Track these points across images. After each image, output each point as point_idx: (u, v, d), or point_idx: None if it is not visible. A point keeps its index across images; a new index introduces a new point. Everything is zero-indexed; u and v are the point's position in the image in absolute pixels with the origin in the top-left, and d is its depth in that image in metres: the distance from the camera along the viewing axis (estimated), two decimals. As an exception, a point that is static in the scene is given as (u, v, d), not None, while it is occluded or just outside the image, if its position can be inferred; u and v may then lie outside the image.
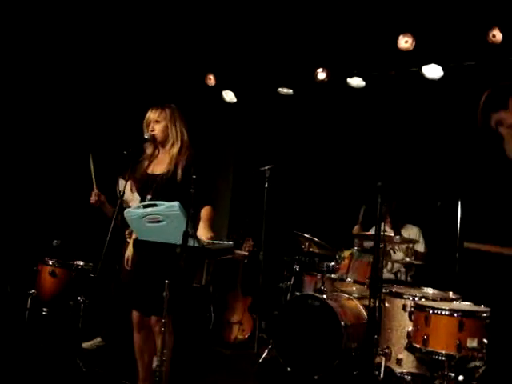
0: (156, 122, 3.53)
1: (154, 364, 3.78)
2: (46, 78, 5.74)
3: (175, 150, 3.53)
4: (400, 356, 3.84)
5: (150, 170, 3.56)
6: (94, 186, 3.63)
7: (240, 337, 5.62)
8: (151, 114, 3.56)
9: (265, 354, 4.94)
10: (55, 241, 4.74)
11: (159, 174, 3.50)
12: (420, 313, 3.60)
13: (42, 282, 4.51)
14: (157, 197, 3.29)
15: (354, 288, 5.04)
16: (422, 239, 5.36)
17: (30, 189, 5.66)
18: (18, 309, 4.63)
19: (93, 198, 3.61)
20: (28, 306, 4.49)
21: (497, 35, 4.93)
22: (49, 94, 5.83)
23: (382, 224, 5.19)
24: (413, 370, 3.80)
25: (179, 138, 3.56)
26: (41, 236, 5.16)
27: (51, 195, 5.75)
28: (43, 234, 5.14)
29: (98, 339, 5.04)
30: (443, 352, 3.41)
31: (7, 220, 5.50)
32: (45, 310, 4.49)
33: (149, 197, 3.43)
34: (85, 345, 4.87)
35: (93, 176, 3.88)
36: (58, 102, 5.90)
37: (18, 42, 5.48)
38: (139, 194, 3.57)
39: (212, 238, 3.34)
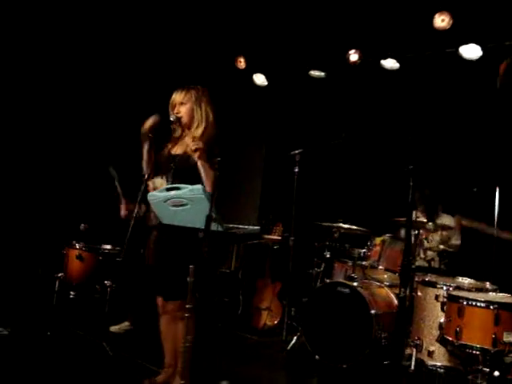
0: (181, 104, 3.48)
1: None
2: (69, 74, 5.76)
3: (199, 131, 3.46)
4: (432, 348, 3.72)
5: (175, 151, 3.52)
6: (121, 197, 3.57)
7: (269, 323, 5.56)
8: (176, 96, 3.51)
9: (293, 341, 4.88)
10: (82, 225, 4.75)
11: (178, 155, 3.46)
12: (453, 304, 3.46)
13: (69, 265, 4.55)
14: (175, 177, 3.28)
15: (386, 276, 4.92)
16: (457, 230, 5.16)
17: (58, 174, 5.70)
18: (46, 292, 4.65)
19: (123, 213, 3.56)
20: (56, 289, 4.52)
21: (540, 12, 4.68)
22: (72, 86, 5.83)
23: (415, 211, 5.12)
24: (445, 363, 3.68)
25: (204, 120, 3.49)
26: (68, 220, 5.18)
27: (78, 180, 5.77)
28: (70, 219, 5.16)
29: (126, 323, 5.05)
30: (477, 346, 3.27)
31: (36, 204, 5.54)
32: (72, 293, 4.52)
33: (168, 177, 3.38)
34: (112, 328, 4.88)
35: (118, 187, 3.81)
36: (82, 92, 5.89)
37: (41, 44, 5.52)
38: (159, 172, 3.49)
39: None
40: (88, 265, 4.52)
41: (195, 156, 3.29)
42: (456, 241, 5.09)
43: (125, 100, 6.03)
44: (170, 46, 6.13)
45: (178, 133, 3.57)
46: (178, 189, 2.96)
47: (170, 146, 3.55)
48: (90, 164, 5.84)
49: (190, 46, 6.19)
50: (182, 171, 3.36)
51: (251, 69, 6.60)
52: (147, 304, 4.72)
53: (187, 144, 3.44)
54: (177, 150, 3.51)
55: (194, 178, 3.17)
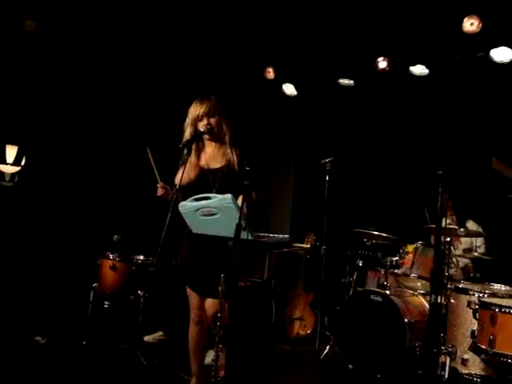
0: (209, 115, 3.48)
1: (209, 358, 3.78)
2: (101, 74, 5.86)
3: (227, 143, 3.49)
4: (465, 356, 3.66)
5: (207, 164, 3.52)
6: (158, 178, 3.60)
7: (301, 333, 5.54)
8: (202, 108, 3.48)
9: (326, 350, 4.86)
10: (115, 236, 4.83)
11: (220, 168, 3.47)
12: (485, 311, 3.40)
13: (103, 275, 4.63)
14: (222, 191, 3.19)
15: (419, 284, 4.88)
16: (483, 240, 5.06)
17: (92, 186, 5.80)
18: (81, 302, 4.74)
19: (159, 191, 3.58)
20: (91, 299, 4.61)
21: None
22: (102, 90, 5.94)
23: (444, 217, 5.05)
24: (479, 372, 3.61)
25: (229, 131, 3.52)
26: (102, 231, 5.28)
27: (112, 192, 5.87)
28: (104, 229, 5.25)
29: (160, 333, 5.11)
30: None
31: (71, 216, 5.66)
32: (106, 303, 4.60)
33: (214, 191, 3.36)
34: (146, 338, 4.94)
35: (154, 169, 3.86)
36: (112, 98, 6.00)
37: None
38: (200, 188, 3.48)
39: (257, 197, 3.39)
40: (121, 275, 4.60)
41: (238, 166, 3.34)
42: (480, 250, 5.00)
43: (154, 111, 6.11)
44: (200, 56, 6.20)
45: (206, 145, 3.59)
46: (208, 198, 2.99)
47: (199, 159, 3.54)
48: (122, 176, 5.93)
49: (220, 57, 6.26)
50: (228, 183, 3.36)
51: (280, 79, 6.62)
52: (179, 314, 4.80)
53: (226, 155, 3.48)
54: (213, 164, 3.51)
55: (238, 189, 3.17)
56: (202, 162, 3.53)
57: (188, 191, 3.26)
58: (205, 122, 3.48)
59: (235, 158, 3.50)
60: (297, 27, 5.74)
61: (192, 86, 6.01)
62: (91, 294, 4.62)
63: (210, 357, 3.83)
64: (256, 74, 6.55)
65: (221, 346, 3.15)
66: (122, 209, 5.79)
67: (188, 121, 3.53)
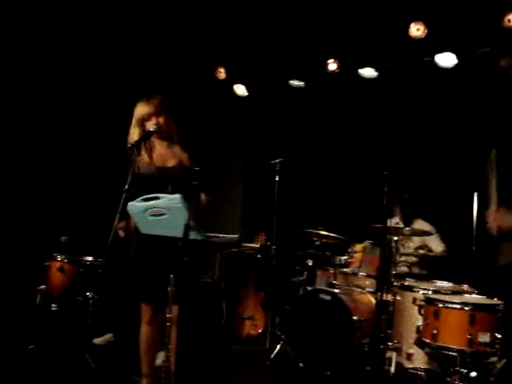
0: (157, 114, 3.46)
1: (159, 360, 3.76)
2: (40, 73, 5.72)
3: (175, 143, 3.50)
4: (410, 351, 3.77)
5: (161, 164, 3.49)
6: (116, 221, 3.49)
7: (252, 332, 5.57)
8: (149, 107, 3.47)
9: (277, 349, 4.89)
10: (63, 237, 4.75)
11: (173, 167, 3.47)
12: (429, 306, 3.51)
13: (50, 277, 4.53)
14: (176, 190, 3.16)
15: (368, 282, 4.95)
16: (437, 237, 5.19)
17: (38, 186, 5.67)
18: (27, 305, 4.63)
19: (121, 234, 3.52)
20: (37, 302, 4.51)
21: (512, 20, 4.77)
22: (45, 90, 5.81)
23: (394, 217, 5.18)
24: (424, 366, 3.73)
25: (176, 131, 3.52)
26: (49, 232, 5.16)
27: (58, 192, 5.75)
28: (52, 230, 5.14)
29: (109, 335, 5.03)
30: (454, 347, 3.32)
31: (16, 217, 5.51)
32: (54, 305, 4.50)
33: (169, 191, 3.32)
34: (96, 340, 4.86)
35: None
36: (56, 98, 5.86)
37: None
38: (154, 188, 3.44)
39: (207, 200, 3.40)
40: (70, 277, 4.51)
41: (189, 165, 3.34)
42: (438, 247, 5.13)
43: (109, 111, 6.01)
44: (149, 56, 6.14)
45: (155, 145, 3.56)
46: (156, 198, 2.98)
47: (151, 159, 3.51)
48: (70, 176, 5.81)
49: (169, 57, 6.22)
50: (181, 182, 3.34)
51: (232, 79, 6.64)
52: (129, 315, 4.74)
53: (177, 154, 3.46)
54: (166, 162, 3.49)
55: (189, 188, 3.18)
56: (156, 162, 3.50)
57: (142, 191, 3.21)
58: (153, 121, 3.46)
59: (185, 158, 3.50)
60: (249, 28, 5.78)
61: (141, 86, 5.95)
62: (38, 296, 4.52)
63: (160, 358, 3.81)
64: (207, 73, 6.54)
65: (171, 347, 3.15)
66: (70, 209, 5.67)
67: (134, 122, 3.49)
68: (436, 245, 5.12)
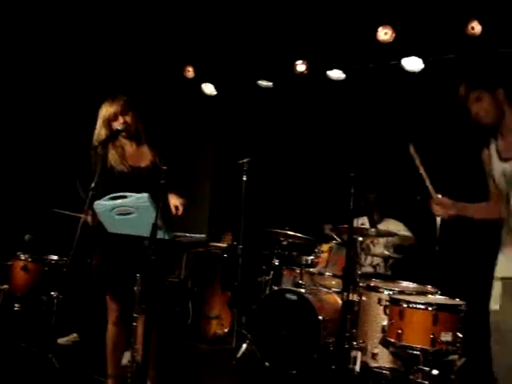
0: (124, 113, 3.43)
1: (125, 360, 3.74)
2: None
3: (143, 143, 3.49)
4: (375, 350, 3.83)
5: (132, 164, 3.46)
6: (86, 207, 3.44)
7: (218, 332, 5.57)
8: (116, 106, 3.43)
9: (243, 348, 4.89)
10: (27, 235, 4.67)
11: (145, 167, 3.45)
12: (394, 307, 3.58)
13: (14, 277, 4.46)
14: (148, 190, 3.10)
15: (333, 282, 4.99)
16: (407, 232, 5.28)
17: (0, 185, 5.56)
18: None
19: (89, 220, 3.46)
20: (0, 302, 4.43)
21: (476, 27, 4.88)
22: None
23: (361, 217, 5.24)
24: (388, 365, 3.79)
25: (143, 131, 3.51)
26: (12, 231, 5.07)
27: (21, 190, 5.65)
28: (15, 229, 5.05)
29: (74, 335, 4.98)
30: (417, 346, 3.39)
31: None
32: (17, 305, 4.43)
33: (141, 190, 3.29)
34: (60, 340, 4.80)
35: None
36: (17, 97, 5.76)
37: None
38: (124, 187, 3.40)
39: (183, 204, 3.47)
40: (33, 276, 4.45)
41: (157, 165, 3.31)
42: (408, 239, 5.20)
43: (74, 108, 5.93)
44: (115, 55, 6.07)
45: (123, 144, 3.53)
46: (124, 197, 2.96)
47: (119, 158, 3.47)
48: (33, 174, 5.72)
49: (137, 55, 6.17)
50: (152, 182, 3.27)
51: (200, 78, 6.62)
52: (94, 315, 4.69)
53: (146, 154, 3.44)
54: (137, 162, 3.47)
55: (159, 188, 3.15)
56: (125, 162, 3.47)
57: (113, 191, 3.17)
58: (120, 120, 3.43)
59: (154, 157, 3.49)
60: (218, 27, 5.77)
61: (108, 86, 5.89)
62: (0, 296, 4.44)
63: (125, 358, 3.79)
64: (175, 72, 6.51)
65: (137, 346, 3.13)
66: (34, 207, 5.57)
67: (100, 122, 3.45)
68: (407, 238, 5.21)
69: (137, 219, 2.95)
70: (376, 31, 5.24)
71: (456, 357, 3.58)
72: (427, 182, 3.05)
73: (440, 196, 2.96)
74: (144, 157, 3.49)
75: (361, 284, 4.19)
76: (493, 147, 2.82)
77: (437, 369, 3.38)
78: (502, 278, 2.71)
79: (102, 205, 3.02)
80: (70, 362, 4.23)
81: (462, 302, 3.62)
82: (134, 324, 3.08)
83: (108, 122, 3.43)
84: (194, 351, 5.22)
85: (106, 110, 3.44)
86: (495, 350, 2.64)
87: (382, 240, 5.24)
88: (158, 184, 3.16)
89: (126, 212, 2.96)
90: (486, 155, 2.87)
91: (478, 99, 2.76)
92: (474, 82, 2.79)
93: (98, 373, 3.88)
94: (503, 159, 2.74)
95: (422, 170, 3.09)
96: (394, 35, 5.22)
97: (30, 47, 5.65)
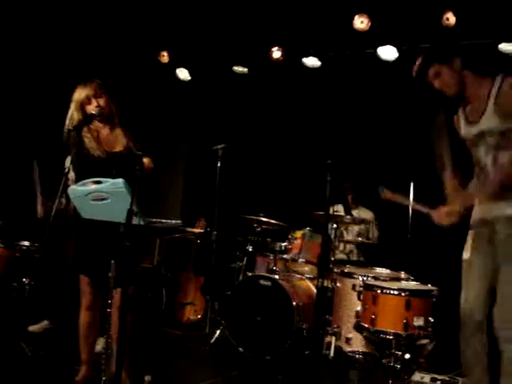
0: (98, 97, 3.38)
1: (99, 346, 3.72)
2: None
3: (117, 127, 3.44)
4: (349, 335, 3.88)
5: (108, 148, 3.41)
6: (38, 194, 3.37)
7: (192, 317, 5.57)
8: (89, 90, 3.38)
9: (217, 334, 4.90)
10: (-2, 221, 4.60)
11: (119, 152, 3.40)
12: (368, 292, 3.63)
13: (-16, 263, 4.38)
14: (122, 175, 3.06)
15: (307, 268, 5.04)
16: (374, 224, 5.37)
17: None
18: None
19: (40, 213, 3.40)
20: (-30, 288, 4.35)
21: (450, 18, 4.94)
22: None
23: (335, 205, 5.28)
24: (361, 349, 3.85)
25: (117, 115, 3.46)
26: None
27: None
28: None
29: (46, 322, 4.91)
30: (390, 331, 3.45)
31: None
32: (-13, 291, 4.36)
33: (114, 176, 3.24)
34: (32, 328, 4.74)
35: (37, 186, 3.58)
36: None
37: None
38: (101, 173, 3.36)
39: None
40: (4, 262, 4.38)
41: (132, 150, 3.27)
42: (374, 233, 5.32)
43: (45, 94, 5.82)
44: (90, 39, 5.97)
45: (98, 128, 3.48)
46: (99, 182, 2.92)
47: (97, 143, 3.41)
48: (5, 158, 5.61)
49: (112, 40, 6.07)
50: (127, 167, 3.25)
51: (175, 63, 6.56)
52: (67, 301, 4.65)
53: (121, 138, 3.40)
54: (112, 147, 3.42)
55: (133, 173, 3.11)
56: (101, 146, 3.42)
57: (88, 176, 3.12)
58: (94, 103, 3.38)
59: (128, 142, 3.45)
60: (192, 12, 5.70)
61: (82, 70, 5.79)
62: (-30, 282, 4.36)
63: (100, 344, 3.76)
64: (150, 57, 6.43)
65: (111, 333, 3.11)
66: (5, 192, 5.47)
67: (73, 106, 3.39)
68: (373, 231, 5.30)
69: (112, 205, 2.91)
70: (352, 19, 5.26)
71: (427, 341, 3.65)
72: (417, 207, 3.15)
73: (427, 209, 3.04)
74: (118, 141, 3.44)
75: (335, 270, 4.23)
76: (461, 113, 2.99)
77: (408, 353, 3.44)
78: (471, 227, 2.96)
79: (77, 190, 2.98)
80: (42, 350, 4.18)
81: (433, 288, 3.69)
82: (109, 310, 3.05)
83: (81, 106, 3.37)
84: (167, 337, 5.21)
85: (78, 94, 3.39)
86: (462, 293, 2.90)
87: (356, 227, 5.30)
88: (133, 169, 3.13)
89: (101, 198, 2.92)
90: (456, 122, 3.04)
91: (436, 75, 2.89)
92: (429, 59, 2.92)
93: (71, 360, 3.85)
94: (469, 122, 2.92)
95: (406, 203, 3.21)
96: (369, 24, 5.24)
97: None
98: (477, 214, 2.95)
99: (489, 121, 2.80)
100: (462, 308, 2.90)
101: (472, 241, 2.95)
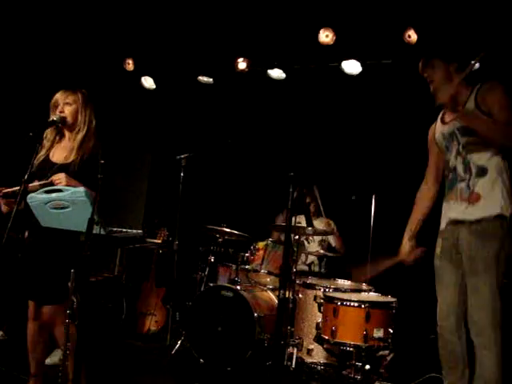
0: (66, 104, 3.35)
1: (55, 358, 3.63)
2: None
3: (80, 136, 3.37)
4: (311, 346, 3.89)
5: (51, 156, 3.38)
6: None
7: (153, 328, 5.51)
8: (61, 96, 3.37)
9: (177, 345, 4.85)
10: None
11: (60, 163, 3.32)
12: (329, 304, 3.65)
13: None
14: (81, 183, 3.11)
15: (269, 279, 5.04)
16: (336, 235, 5.42)
17: None
18: None
19: (3, 207, 3.31)
20: None
21: (412, 35, 5.05)
22: None
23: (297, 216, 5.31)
24: (323, 360, 3.86)
25: (87, 125, 3.40)
26: None
27: None
28: None
29: (0, 333, 4.79)
30: (351, 343, 3.47)
31: None
32: None
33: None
34: (-16, 338, 4.62)
35: None
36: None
37: None
38: (38, 179, 3.31)
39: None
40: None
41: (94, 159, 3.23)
42: (334, 242, 5.34)
43: (6, 100, 5.71)
44: (55, 46, 5.89)
45: (52, 134, 3.43)
46: (59, 191, 2.87)
47: (47, 150, 3.38)
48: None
49: (76, 46, 6.00)
50: (89, 176, 3.18)
51: (140, 71, 6.51)
52: (21, 311, 4.52)
53: (82, 147, 3.34)
54: (56, 156, 3.37)
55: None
56: (51, 153, 3.37)
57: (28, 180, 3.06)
58: (59, 110, 3.35)
59: (91, 151, 3.39)
60: (159, 20, 5.68)
61: (47, 75, 5.71)
62: None
63: (57, 356, 3.68)
64: (115, 64, 6.37)
65: (69, 344, 3.05)
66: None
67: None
68: (334, 241, 5.35)
69: (72, 213, 2.87)
70: (317, 33, 5.32)
71: (386, 352, 3.69)
72: (389, 264, 3.25)
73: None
74: (74, 151, 3.38)
75: (297, 281, 4.25)
76: (439, 117, 3.12)
77: (369, 364, 3.47)
78: (440, 233, 3.03)
79: (36, 198, 2.92)
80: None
81: (393, 299, 3.73)
82: (67, 321, 2.99)
83: (52, 110, 3.37)
84: (127, 348, 5.14)
85: (54, 98, 3.39)
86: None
87: (317, 238, 5.34)
88: (95, 178, 3.09)
89: (61, 206, 2.88)
90: (431, 130, 3.18)
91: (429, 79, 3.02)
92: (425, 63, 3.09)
93: (25, 372, 3.75)
94: (444, 122, 3.04)
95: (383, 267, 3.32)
96: (334, 38, 5.31)
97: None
98: (444, 219, 3.01)
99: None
100: (438, 311, 2.95)
101: (440, 248, 3.00)
